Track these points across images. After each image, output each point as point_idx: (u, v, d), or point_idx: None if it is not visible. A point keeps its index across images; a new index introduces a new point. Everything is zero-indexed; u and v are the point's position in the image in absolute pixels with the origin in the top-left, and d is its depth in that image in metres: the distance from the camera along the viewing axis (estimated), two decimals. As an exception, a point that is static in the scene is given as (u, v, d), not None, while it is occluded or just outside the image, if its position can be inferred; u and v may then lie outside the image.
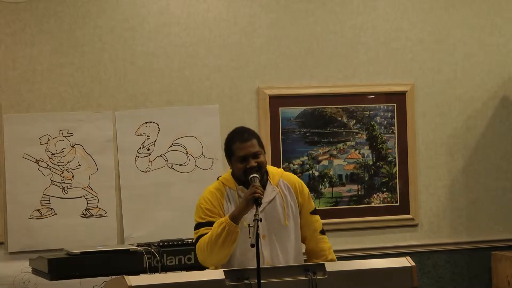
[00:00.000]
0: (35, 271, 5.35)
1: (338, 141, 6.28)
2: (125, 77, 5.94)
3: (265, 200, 4.30)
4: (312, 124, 6.23)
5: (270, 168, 4.47)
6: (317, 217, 4.51)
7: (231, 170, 4.42)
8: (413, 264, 4.24)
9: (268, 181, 4.39)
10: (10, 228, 5.71)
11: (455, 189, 6.49)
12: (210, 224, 4.26)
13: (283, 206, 4.38)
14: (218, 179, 4.45)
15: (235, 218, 4.18)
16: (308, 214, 4.47)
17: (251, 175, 4.25)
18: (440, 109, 6.47)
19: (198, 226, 4.32)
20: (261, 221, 4.08)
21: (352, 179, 6.32)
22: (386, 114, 6.36)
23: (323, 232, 4.51)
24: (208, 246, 4.20)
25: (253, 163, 4.27)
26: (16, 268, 5.71)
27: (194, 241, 4.34)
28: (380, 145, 6.36)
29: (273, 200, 4.36)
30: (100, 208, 5.85)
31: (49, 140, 5.81)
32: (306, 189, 4.50)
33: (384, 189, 6.36)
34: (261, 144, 4.36)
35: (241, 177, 4.32)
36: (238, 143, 4.30)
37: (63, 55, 5.85)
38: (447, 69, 6.48)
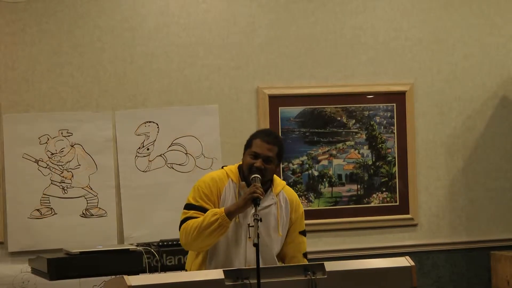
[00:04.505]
0: (35, 271, 5.36)
1: (338, 141, 6.29)
2: (124, 77, 5.94)
3: (262, 204, 4.30)
4: (312, 124, 6.23)
5: (276, 178, 4.47)
6: (305, 239, 4.51)
7: (238, 164, 4.42)
8: (413, 264, 4.24)
9: (271, 189, 4.40)
10: (10, 228, 5.71)
11: (455, 189, 6.49)
12: (202, 209, 4.27)
13: (277, 217, 4.39)
14: (223, 168, 4.46)
15: (231, 214, 4.19)
16: (296, 232, 4.47)
17: (253, 175, 4.26)
18: (440, 109, 6.47)
19: (189, 207, 4.31)
20: (261, 221, 4.08)
21: (352, 179, 6.32)
22: (385, 114, 6.37)
23: (305, 255, 4.50)
24: (195, 232, 4.20)
25: (260, 164, 4.28)
26: (16, 268, 5.71)
27: (180, 219, 4.31)
28: (380, 145, 6.37)
29: (269, 207, 4.36)
30: (100, 208, 5.85)
31: (48, 140, 5.81)
32: (302, 209, 4.51)
33: (384, 189, 6.36)
34: (279, 156, 4.35)
35: (245, 172, 4.32)
36: (259, 140, 4.31)
37: (62, 55, 5.85)
38: (447, 69, 6.48)
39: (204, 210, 4.27)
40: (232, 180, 4.37)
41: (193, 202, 4.32)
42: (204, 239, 4.21)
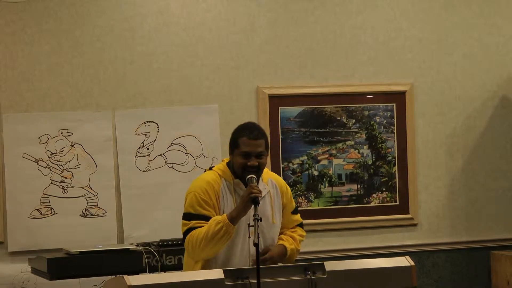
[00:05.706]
0: (35, 271, 5.36)
1: (338, 141, 6.29)
2: (124, 77, 5.94)
3: None
4: (312, 123, 6.23)
5: None
6: (298, 216, 4.60)
7: (226, 161, 4.43)
8: (413, 263, 4.24)
9: (260, 179, 4.41)
10: (10, 228, 5.71)
11: (455, 189, 6.49)
12: (202, 217, 4.27)
13: (271, 205, 4.41)
14: (211, 169, 4.44)
15: (234, 219, 4.19)
16: (289, 213, 4.54)
17: (249, 176, 4.27)
18: (440, 108, 6.47)
19: (189, 217, 4.30)
20: (260, 220, 4.10)
21: (352, 179, 6.32)
22: (385, 114, 6.37)
23: (301, 225, 4.61)
24: (201, 242, 4.20)
25: (254, 162, 4.29)
26: (16, 268, 5.71)
27: (183, 231, 4.31)
28: (380, 145, 6.37)
29: (263, 197, 4.36)
30: (100, 208, 5.85)
31: (48, 139, 5.81)
32: (290, 191, 4.58)
33: (384, 189, 6.36)
34: (267, 146, 4.38)
35: (239, 172, 4.33)
36: (245, 138, 4.31)
37: (62, 55, 5.85)
38: (447, 69, 6.48)
39: (204, 217, 4.27)
40: (225, 179, 4.37)
41: (192, 211, 4.30)
42: (212, 248, 4.22)
